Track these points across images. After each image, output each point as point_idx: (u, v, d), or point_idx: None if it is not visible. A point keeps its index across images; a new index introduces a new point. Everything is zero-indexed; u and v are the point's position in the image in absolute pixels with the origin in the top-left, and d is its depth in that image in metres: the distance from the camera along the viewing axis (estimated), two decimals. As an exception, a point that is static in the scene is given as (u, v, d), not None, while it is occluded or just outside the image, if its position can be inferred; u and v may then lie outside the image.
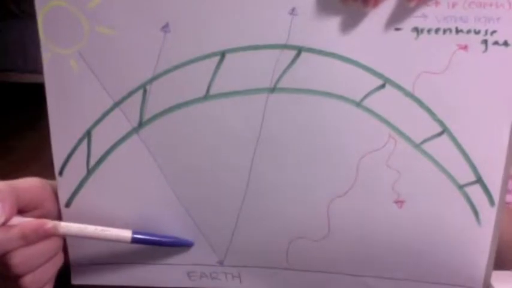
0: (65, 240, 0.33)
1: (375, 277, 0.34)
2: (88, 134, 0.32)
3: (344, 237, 0.33)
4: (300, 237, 0.33)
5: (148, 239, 0.33)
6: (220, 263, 0.34)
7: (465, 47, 0.29)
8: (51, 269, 0.32)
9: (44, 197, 0.32)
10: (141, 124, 0.32)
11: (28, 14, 1.30)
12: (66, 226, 0.31)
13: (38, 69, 0.46)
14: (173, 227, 0.33)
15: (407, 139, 0.31)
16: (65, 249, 0.33)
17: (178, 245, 0.34)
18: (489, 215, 0.31)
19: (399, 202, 0.32)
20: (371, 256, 0.33)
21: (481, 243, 0.32)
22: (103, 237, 0.31)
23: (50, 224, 0.30)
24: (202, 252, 0.34)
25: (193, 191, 0.33)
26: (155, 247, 0.33)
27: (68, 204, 0.33)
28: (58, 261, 0.32)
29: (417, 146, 0.31)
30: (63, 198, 0.33)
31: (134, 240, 0.32)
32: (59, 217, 0.33)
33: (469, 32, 0.29)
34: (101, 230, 0.31)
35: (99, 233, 0.31)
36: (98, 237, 0.31)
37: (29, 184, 0.32)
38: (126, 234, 0.32)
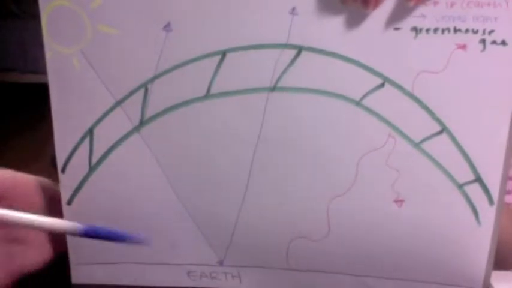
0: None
1: (374, 277, 0.34)
2: (90, 132, 0.33)
3: (344, 236, 0.33)
4: (300, 236, 0.34)
5: (100, 234, 0.29)
6: (220, 263, 0.35)
7: (464, 47, 0.30)
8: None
9: (14, 189, 0.32)
10: (142, 123, 0.33)
11: (28, 14, 1.31)
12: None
13: (38, 69, 0.47)
14: (173, 226, 0.34)
15: (407, 138, 0.32)
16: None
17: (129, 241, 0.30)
18: (489, 214, 0.32)
19: (399, 201, 0.33)
20: (370, 256, 0.34)
21: (480, 242, 0.32)
22: (39, 225, 0.28)
23: None
24: (202, 252, 0.34)
25: (193, 190, 0.33)
26: (156, 246, 0.34)
27: (69, 202, 0.34)
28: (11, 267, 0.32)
29: (416, 145, 0.32)
30: (65, 195, 0.33)
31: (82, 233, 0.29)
32: (44, 212, 0.33)
33: (467, 31, 0.30)
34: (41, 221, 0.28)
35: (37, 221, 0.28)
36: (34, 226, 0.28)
37: None
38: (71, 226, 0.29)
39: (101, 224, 0.32)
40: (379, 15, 0.30)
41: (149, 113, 0.32)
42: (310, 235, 0.34)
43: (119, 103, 0.32)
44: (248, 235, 0.34)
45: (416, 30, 0.30)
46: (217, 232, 0.34)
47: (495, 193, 0.32)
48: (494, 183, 0.32)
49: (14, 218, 0.28)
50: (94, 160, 0.33)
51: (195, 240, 0.34)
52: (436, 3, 0.29)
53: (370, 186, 0.32)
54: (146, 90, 0.32)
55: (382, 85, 0.31)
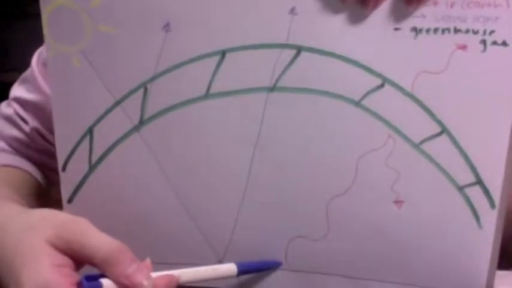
0: None
1: (374, 280, 0.35)
2: (90, 132, 0.34)
3: (343, 236, 0.34)
4: (299, 236, 0.35)
5: (253, 268, 0.35)
6: (219, 263, 0.36)
7: (464, 47, 0.31)
8: None
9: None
10: (141, 122, 0.34)
11: (28, 14, 1.34)
12: (183, 273, 0.31)
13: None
14: (172, 225, 0.35)
15: (407, 139, 0.33)
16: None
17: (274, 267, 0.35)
18: (490, 217, 0.32)
19: (398, 202, 0.33)
20: (370, 257, 0.34)
21: (482, 246, 0.33)
22: (212, 276, 0.32)
23: (176, 275, 0.30)
24: (202, 252, 0.35)
25: (192, 190, 0.34)
26: (155, 245, 0.35)
27: (70, 200, 0.35)
28: None
29: (416, 146, 0.33)
30: (65, 194, 0.35)
31: (240, 272, 0.34)
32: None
33: (467, 31, 0.31)
34: (211, 270, 0.32)
35: (210, 272, 0.32)
36: (208, 278, 0.32)
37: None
38: (232, 267, 0.33)
39: (100, 222, 0.33)
40: (379, 15, 0.31)
41: (149, 112, 0.34)
42: (309, 234, 0.35)
43: (118, 102, 0.33)
44: (247, 235, 0.35)
45: (416, 30, 0.31)
46: (216, 232, 0.35)
47: (496, 196, 0.32)
48: (495, 186, 0.32)
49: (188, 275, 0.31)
50: (94, 159, 0.34)
51: (194, 239, 0.35)
52: (435, 3, 0.30)
53: (369, 186, 0.33)
54: (146, 90, 0.33)
55: (382, 85, 0.32)
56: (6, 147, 0.46)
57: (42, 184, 0.46)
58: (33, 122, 0.45)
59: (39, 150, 0.46)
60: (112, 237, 0.28)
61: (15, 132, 0.46)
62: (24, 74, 0.47)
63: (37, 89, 0.45)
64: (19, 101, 0.46)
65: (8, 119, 0.46)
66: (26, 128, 0.45)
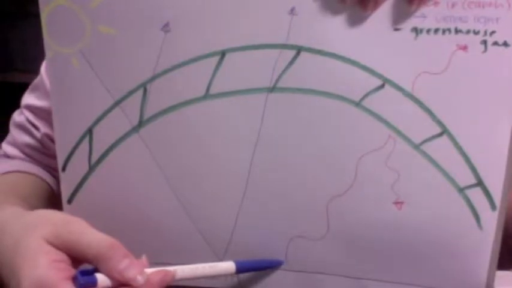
0: None
1: (374, 280, 0.35)
2: (89, 132, 0.34)
3: (343, 236, 0.34)
4: (299, 236, 0.35)
5: (251, 267, 0.34)
6: (219, 263, 0.36)
7: (464, 47, 0.31)
8: None
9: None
10: (141, 123, 0.34)
11: (28, 14, 1.33)
12: (179, 269, 0.31)
13: (38, 69, 0.49)
14: (172, 226, 0.35)
15: (407, 139, 0.32)
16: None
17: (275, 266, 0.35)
18: (490, 219, 0.32)
19: (398, 203, 0.33)
20: (370, 257, 0.34)
21: (482, 247, 0.33)
22: (209, 273, 0.32)
23: (171, 271, 0.30)
24: (201, 252, 0.35)
25: (192, 191, 0.34)
26: (155, 246, 0.35)
27: (70, 201, 0.35)
28: None
29: (417, 147, 0.32)
30: (65, 194, 0.35)
31: (238, 271, 0.33)
32: None
33: (468, 32, 0.30)
34: (209, 267, 0.32)
35: (207, 270, 0.32)
36: (206, 275, 0.32)
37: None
38: (230, 265, 0.33)
39: (99, 222, 0.33)
40: (379, 15, 0.31)
41: (148, 113, 0.33)
42: (309, 234, 0.34)
43: (117, 103, 0.33)
44: (247, 235, 0.35)
45: (416, 30, 0.31)
46: (216, 232, 0.35)
47: (497, 198, 0.32)
48: (496, 188, 0.32)
49: (186, 272, 0.31)
50: (94, 160, 0.34)
51: (193, 240, 0.35)
52: (436, 3, 0.30)
53: (369, 186, 0.33)
54: (145, 90, 0.33)
55: (382, 86, 0.32)
56: (20, 154, 0.47)
57: (54, 188, 0.47)
58: (44, 128, 0.46)
59: (51, 156, 0.46)
60: (107, 235, 0.29)
61: (27, 139, 0.46)
62: (34, 81, 0.47)
63: (47, 95, 0.46)
64: (30, 108, 0.47)
65: (20, 127, 0.47)
66: (38, 135, 0.46)
